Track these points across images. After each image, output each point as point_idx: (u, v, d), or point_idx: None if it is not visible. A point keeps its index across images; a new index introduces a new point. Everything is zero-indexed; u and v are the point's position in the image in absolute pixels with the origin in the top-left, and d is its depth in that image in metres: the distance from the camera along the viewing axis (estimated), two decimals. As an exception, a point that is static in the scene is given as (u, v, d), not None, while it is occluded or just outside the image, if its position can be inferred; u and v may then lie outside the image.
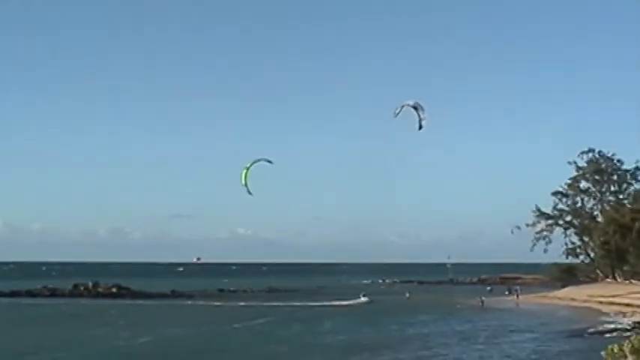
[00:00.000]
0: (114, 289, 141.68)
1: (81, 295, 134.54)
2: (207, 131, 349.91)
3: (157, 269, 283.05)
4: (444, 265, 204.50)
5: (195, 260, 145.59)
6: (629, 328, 68.15)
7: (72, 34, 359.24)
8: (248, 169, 36.18)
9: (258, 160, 36.76)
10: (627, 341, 15.03)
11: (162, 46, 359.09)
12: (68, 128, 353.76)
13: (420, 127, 35.26)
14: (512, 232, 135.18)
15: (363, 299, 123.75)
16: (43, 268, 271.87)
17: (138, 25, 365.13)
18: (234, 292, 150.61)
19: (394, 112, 35.85)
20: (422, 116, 34.75)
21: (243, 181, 35.94)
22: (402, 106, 35.72)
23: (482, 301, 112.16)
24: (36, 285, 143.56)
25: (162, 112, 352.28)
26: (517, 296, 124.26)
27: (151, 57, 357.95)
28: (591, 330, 72.72)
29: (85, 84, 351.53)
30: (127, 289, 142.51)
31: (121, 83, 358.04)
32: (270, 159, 37.41)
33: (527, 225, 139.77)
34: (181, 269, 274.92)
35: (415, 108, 35.44)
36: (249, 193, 36.34)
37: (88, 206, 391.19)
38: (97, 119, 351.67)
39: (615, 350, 15.01)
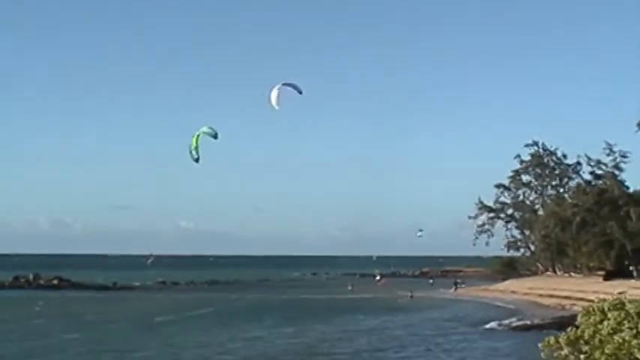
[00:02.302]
0: (55, 281, 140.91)
1: (21, 287, 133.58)
2: (149, 123, 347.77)
3: (100, 261, 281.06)
4: (385, 258, 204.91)
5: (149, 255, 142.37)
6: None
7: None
8: (198, 136, 34.58)
9: (210, 131, 35.10)
10: (563, 333, 15.19)
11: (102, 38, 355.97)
12: (2, 121, 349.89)
13: (300, 92, 35.29)
14: (418, 235, 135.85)
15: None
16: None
17: (56, 15, 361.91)
18: (175, 284, 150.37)
19: (275, 104, 35.54)
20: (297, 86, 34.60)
21: (194, 144, 34.35)
22: (278, 89, 35.55)
23: (412, 295, 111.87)
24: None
25: (100, 102, 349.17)
26: (455, 289, 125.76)
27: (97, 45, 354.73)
28: (527, 322, 73.61)
29: (14, 77, 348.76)
30: (68, 280, 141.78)
31: (60, 74, 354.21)
32: (216, 133, 35.88)
33: (470, 217, 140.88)
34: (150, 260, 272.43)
35: (287, 84, 35.52)
36: (197, 160, 34.77)
37: (28, 197, 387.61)
38: (32, 110, 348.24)
39: (552, 342, 15.16)
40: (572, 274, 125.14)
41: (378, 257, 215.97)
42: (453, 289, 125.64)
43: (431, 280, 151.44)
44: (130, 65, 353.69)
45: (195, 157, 34.21)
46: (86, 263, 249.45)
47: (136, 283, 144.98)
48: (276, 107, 35.49)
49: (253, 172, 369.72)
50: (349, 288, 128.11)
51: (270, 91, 35.54)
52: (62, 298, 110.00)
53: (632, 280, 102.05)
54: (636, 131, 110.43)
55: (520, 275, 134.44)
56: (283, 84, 35.36)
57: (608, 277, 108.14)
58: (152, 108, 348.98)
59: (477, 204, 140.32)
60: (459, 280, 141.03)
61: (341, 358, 53.10)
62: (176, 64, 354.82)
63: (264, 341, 60.43)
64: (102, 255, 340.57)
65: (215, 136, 34.24)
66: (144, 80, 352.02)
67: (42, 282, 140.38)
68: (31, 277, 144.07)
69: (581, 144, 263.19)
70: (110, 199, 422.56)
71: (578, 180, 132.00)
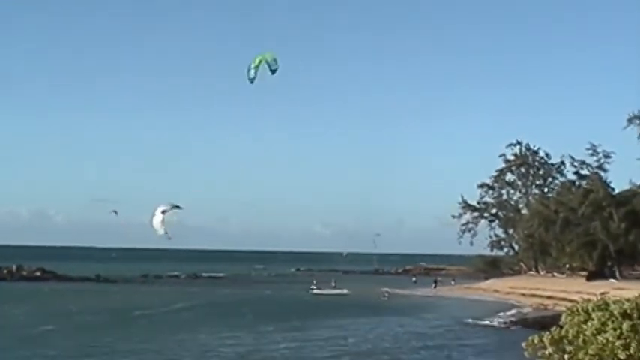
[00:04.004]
0: (38, 273, 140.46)
1: (4, 279, 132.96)
2: (136, 116, 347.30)
3: (83, 253, 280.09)
4: (368, 254, 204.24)
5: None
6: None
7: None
8: (261, 61, 32.69)
9: (273, 63, 33.03)
10: (547, 332, 15.27)
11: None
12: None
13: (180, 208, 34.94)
14: (374, 241, 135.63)
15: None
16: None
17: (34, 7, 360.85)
18: (158, 277, 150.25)
19: (159, 230, 35.12)
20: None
21: (255, 63, 32.33)
22: (162, 213, 34.95)
23: (388, 295, 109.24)
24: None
25: (87, 95, 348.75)
26: (435, 287, 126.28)
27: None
28: (509, 321, 74.06)
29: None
30: (51, 272, 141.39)
31: (47, 65, 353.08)
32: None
33: (454, 217, 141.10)
34: (114, 254, 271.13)
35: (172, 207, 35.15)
36: (252, 80, 32.68)
37: (10, 188, 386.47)
38: (16, 101, 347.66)
39: (535, 341, 15.23)
40: (555, 273, 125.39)
41: (349, 253, 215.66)
42: (432, 287, 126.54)
43: (414, 278, 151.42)
44: (117, 59, 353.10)
45: (252, 76, 32.23)
46: (69, 255, 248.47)
47: (119, 276, 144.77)
48: (163, 233, 34.93)
49: (239, 168, 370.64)
50: (332, 284, 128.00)
51: (152, 217, 34.84)
52: (44, 290, 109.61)
53: (615, 281, 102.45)
54: (625, 127, 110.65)
55: (503, 274, 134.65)
56: (164, 211, 34.65)
57: (590, 277, 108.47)
58: (139, 102, 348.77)
59: (460, 203, 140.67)
60: (439, 278, 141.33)
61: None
62: (165, 59, 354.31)
63: (242, 340, 59.03)
64: (84, 247, 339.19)
65: (273, 72, 32.44)
66: (132, 74, 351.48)
67: (25, 273, 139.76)
68: (14, 268, 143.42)
69: (566, 143, 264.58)
70: (94, 192, 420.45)
71: (562, 180, 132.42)
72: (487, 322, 74.31)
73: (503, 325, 71.80)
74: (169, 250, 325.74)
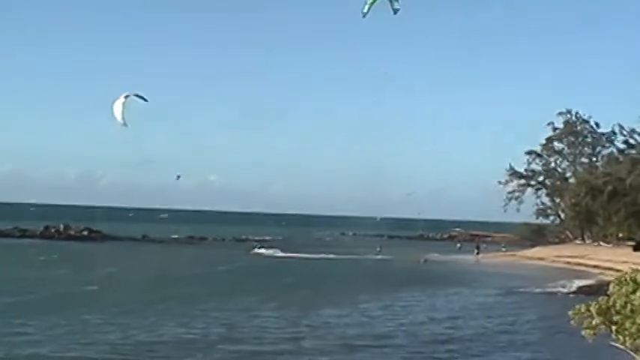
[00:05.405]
0: (85, 232, 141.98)
1: (51, 237, 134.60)
2: (180, 77, 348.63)
3: (131, 215, 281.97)
4: (412, 220, 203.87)
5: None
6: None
7: None
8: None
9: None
10: (595, 302, 15.01)
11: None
12: (41, 71, 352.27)
13: (146, 100, 34.94)
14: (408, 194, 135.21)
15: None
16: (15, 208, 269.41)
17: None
18: (203, 239, 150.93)
19: (120, 119, 35.08)
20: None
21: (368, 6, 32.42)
22: (123, 102, 35.06)
23: (425, 260, 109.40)
24: (6, 226, 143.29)
25: (134, 55, 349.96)
26: (477, 253, 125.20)
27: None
28: (557, 290, 73.56)
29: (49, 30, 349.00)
30: (98, 232, 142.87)
31: (93, 27, 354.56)
32: None
33: (500, 183, 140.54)
34: (165, 215, 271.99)
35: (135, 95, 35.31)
36: (365, 15, 32.80)
37: (57, 149, 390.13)
38: (64, 63, 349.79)
39: (582, 310, 14.99)
40: (602, 243, 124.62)
41: (383, 219, 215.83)
42: (475, 254, 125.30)
43: (459, 244, 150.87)
44: (159, 22, 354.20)
45: (365, 10, 32.32)
46: (116, 216, 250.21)
47: (167, 236, 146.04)
48: (121, 122, 34.88)
49: (283, 126, 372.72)
50: (377, 249, 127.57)
51: (113, 102, 34.83)
52: (91, 249, 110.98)
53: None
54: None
55: (548, 243, 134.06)
56: (127, 95, 34.69)
57: (637, 247, 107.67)
58: (184, 65, 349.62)
59: (507, 170, 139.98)
60: (484, 245, 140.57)
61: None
62: (205, 21, 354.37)
63: (286, 306, 56.52)
64: (132, 208, 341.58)
65: (396, 11, 32.35)
66: (174, 38, 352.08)
67: (72, 232, 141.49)
68: (61, 227, 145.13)
69: (616, 112, 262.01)
70: (142, 153, 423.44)
71: (611, 149, 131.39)
72: (539, 290, 73.70)
73: (562, 293, 71.14)
74: (213, 213, 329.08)
